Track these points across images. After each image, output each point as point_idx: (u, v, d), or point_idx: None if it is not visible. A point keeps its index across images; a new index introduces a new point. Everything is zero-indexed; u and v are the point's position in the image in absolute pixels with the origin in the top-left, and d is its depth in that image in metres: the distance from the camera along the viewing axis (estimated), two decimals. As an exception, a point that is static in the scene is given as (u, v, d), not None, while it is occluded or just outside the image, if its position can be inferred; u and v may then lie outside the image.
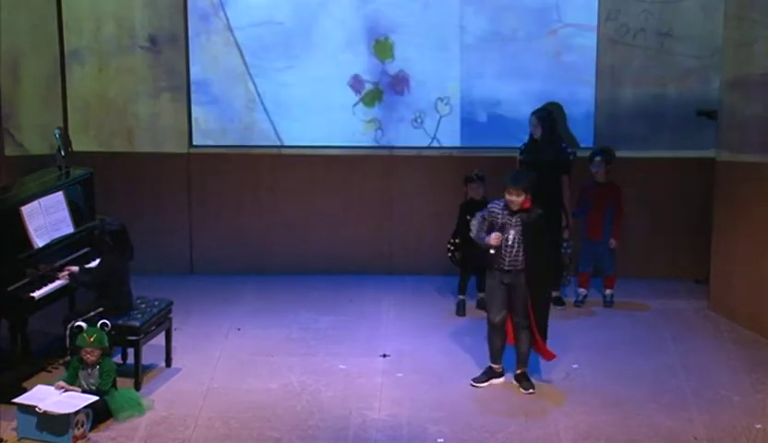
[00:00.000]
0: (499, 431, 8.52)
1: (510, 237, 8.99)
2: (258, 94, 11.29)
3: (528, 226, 8.96)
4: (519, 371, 9.24)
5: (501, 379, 9.28)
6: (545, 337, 9.15)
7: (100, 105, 11.31)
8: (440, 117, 11.31)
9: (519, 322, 9.13)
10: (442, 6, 11.13)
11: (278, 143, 11.39)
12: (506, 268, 9.04)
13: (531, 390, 9.12)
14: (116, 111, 11.31)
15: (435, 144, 11.35)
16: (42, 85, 11.16)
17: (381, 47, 11.22)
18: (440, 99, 11.28)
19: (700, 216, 11.00)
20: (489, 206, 9.17)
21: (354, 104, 11.33)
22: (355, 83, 11.29)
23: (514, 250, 8.99)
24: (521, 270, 9.03)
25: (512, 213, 8.99)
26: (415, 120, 11.30)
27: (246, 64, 11.26)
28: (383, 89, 11.30)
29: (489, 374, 9.29)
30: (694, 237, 11.13)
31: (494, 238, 8.98)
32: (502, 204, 9.04)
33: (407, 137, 11.35)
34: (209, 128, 11.40)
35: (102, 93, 11.29)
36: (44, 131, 11.06)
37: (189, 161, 11.40)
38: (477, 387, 9.20)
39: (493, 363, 9.30)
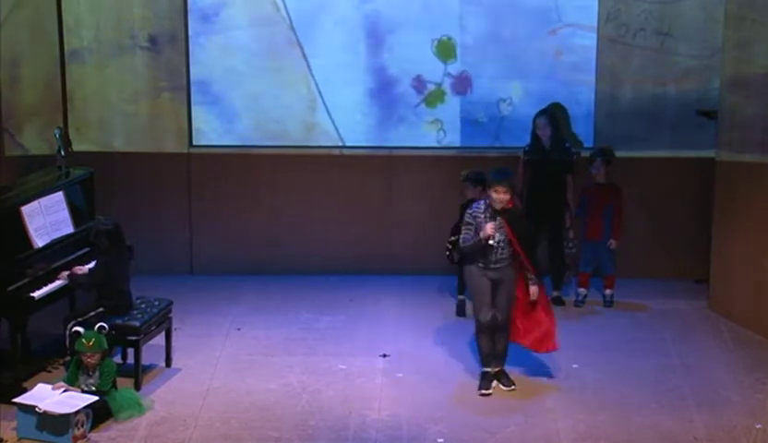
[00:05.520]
0: (499, 431, 8.52)
1: (495, 239, 8.89)
2: (320, 93, 11.24)
3: (514, 226, 8.85)
4: (497, 369, 9.15)
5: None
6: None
7: (100, 105, 11.31)
8: (502, 118, 11.27)
9: (500, 320, 9.05)
10: (442, 6, 11.12)
11: (340, 143, 11.35)
12: (492, 266, 8.96)
13: (512, 387, 9.07)
14: (116, 111, 11.31)
15: (497, 144, 11.27)
16: (41, 85, 11.16)
17: (443, 47, 11.16)
18: (503, 99, 11.24)
19: (700, 216, 11.00)
20: (472, 208, 9.01)
21: (416, 105, 11.29)
22: (418, 84, 11.24)
23: (499, 251, 8.91)
24: (507, 265, 8.96)
25: (495, 214, 8.88)
26: (477, 121, 11.25)
27: (307, 62, 11.18)
28: (446, 90, 11.25)
29: (489, 378, 9.15)
30: (694, 237, 11.13)
31: (489, 227, 8.82)
32: (484, 205, 8.91)
33: (471, 137, 11.29)
34: (238, 127, 11.40)
35: (102, 93, 11.29)
36: (44, 131, 11.06)
37: (189, 161, 11.40)
38: (486, 393, 9.06)
39: (487, 366, 9.17)
